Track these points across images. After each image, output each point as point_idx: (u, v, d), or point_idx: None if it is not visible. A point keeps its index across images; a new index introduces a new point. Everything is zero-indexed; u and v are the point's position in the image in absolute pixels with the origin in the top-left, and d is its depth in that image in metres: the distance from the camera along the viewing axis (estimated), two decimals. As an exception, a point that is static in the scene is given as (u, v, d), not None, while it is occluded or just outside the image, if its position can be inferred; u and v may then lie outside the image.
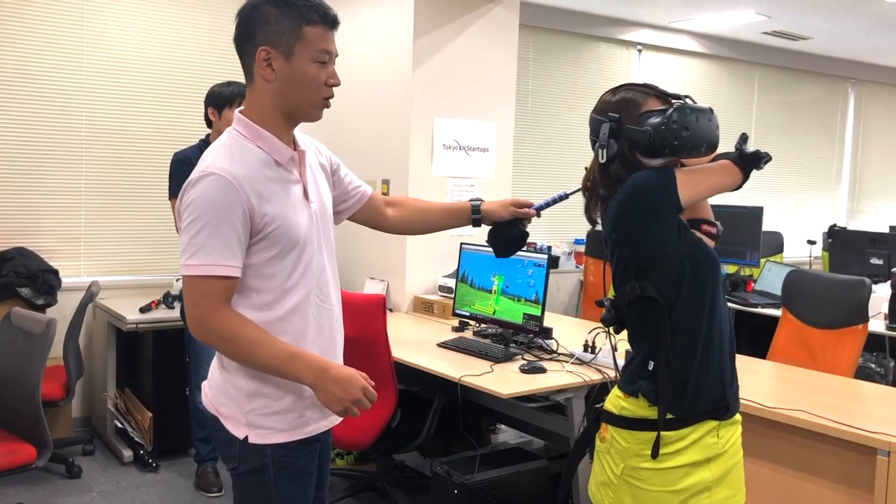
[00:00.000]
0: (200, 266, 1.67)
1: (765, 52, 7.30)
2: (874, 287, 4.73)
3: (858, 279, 3.72)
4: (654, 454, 1.80)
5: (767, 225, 6.74)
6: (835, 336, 3.59)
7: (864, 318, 3.57)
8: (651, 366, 1.84)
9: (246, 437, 1.77)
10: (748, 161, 1.87)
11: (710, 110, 1.83)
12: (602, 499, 1.93)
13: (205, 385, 1.91)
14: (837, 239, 5.63)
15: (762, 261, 5.49)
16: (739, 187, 1.92)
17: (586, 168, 1.99)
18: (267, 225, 1.73)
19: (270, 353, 1.71)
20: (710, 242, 2.02)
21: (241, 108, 1.83)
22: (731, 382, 1.91)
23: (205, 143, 3.78)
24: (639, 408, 1.85)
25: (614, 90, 1.94)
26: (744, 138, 1.88)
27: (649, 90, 1.89)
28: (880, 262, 5.16)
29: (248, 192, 1.69)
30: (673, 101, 1.84)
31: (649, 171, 1.83)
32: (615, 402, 1.90)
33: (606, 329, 1.99)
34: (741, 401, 2.32)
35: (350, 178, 2.10)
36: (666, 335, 1.80)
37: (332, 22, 1.79)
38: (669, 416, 1.82)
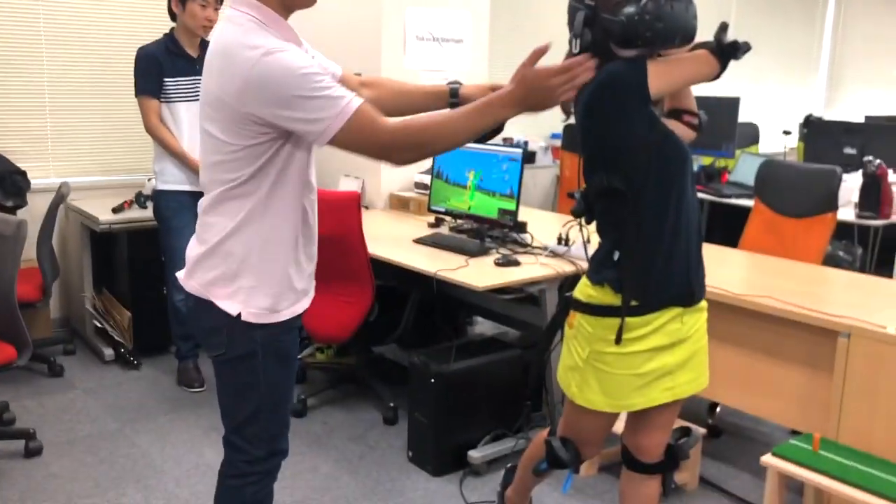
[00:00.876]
0: (348, 105, 1.65)
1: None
2: (846, 176, 4.77)
3: (829, 168, 3.75)
4: (618, 340, 1.86)
5: (744, 115, 6.72)
6: (805, 224, 3.65)
7: (834, 207, 3.62)
8: (616, 256, 1.87)
9: (238, 315, 1.80)
10: (726, 51, 1.84)
11: (686, 3, 1.78)
12: (569, 382, 2.00)
13: (186, 272, 1.90)
14: (812, 129, 5.63)
15: (737, 152, 5.50)
16: (717, 77, 1.89)
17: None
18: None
19: (464, 121, 1.71)
20: (691, 133, 2.03)
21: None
22: (697, 272, 1.95)
23: (170, 38, 3.66)
24: (605, 295, 1.89)
25: None
26: (723, 27, 1.85)
27: None
28: (854, 151, 5.19)
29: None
30: None
31: (621, 62, 1.80)
32: (583, 290, 1.94)
33: (578, 221, 2.00)
34: (711, 289, 2.37)
35: (324, 63, 2.05)
36: (631, 226, 1.82)
37: None
38: (634, 303, 1.86)
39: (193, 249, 1.88)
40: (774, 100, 7.81)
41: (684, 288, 1.91)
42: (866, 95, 8.64)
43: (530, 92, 1.69)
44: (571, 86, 1.71)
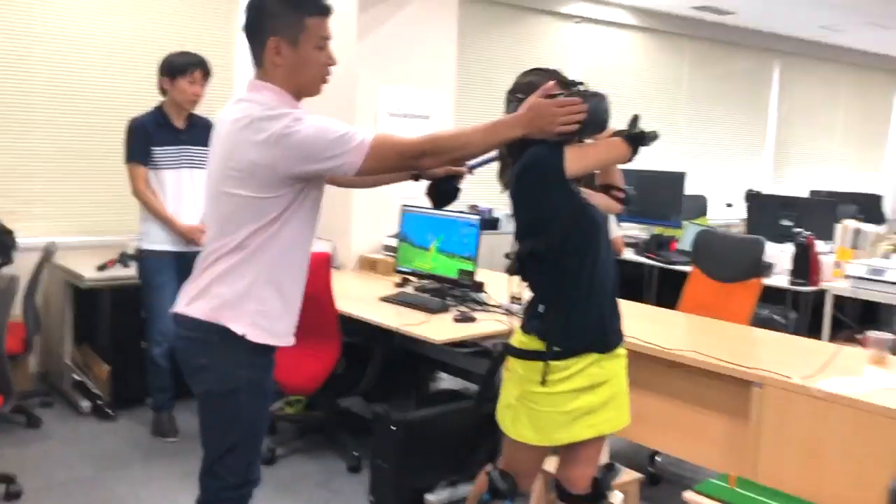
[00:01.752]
0: (365, 137, 1.99)
1: (695, 26, 7.68)
2: (783, 246, 5.19)
3: (754, 238, 4.13)
4: (542, 381, 2.17)
5: (697, 189, 7.20)
6: (734, 289, 4.00)
7: (759, 273, 3.98)
8: (541, 308, 2.19)
9: (244, 335, 2.06)
10: (635, 139, 2.20)
11: (602, 96, 2.14)
12: (505, 419, 2.30)
13: (189, 300, 2.12)
14: (753, 202, 6.07)
15: (684, 222, 5.91)
16: (630, 160, 2.24)
17: None
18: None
19: (480, 135, 2.06)
20: (618, 205, 2.38)
21: (258, 78, 2.10)
22: (612, 322, 2.28)
23: (159, 111, 3.99)
24: (533, 342, 2.21)
25: (525, 73, 2.27)
26: (634, 119, 2.21)
27: (553, 75, 2.22)
28: (790, 223, 5.61)
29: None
30: (570, 87, 2.16)
31: (543, 145, 2.16)
32: (516, 338, 2.27)
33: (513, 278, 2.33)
34: (645, 343, 2.71)
35: None
36: (552, 284, 2.16)
37: (327, 11, 2.11)
38: (557, 349, 2.18)
39: (200, 280, 2.12)
40: (725, 174, 8.32)
41: (601, 336, 2.24)
42: (810, 171, 9.22)
43: (537, 116, 2.05)
44: (569, 119, 2.05)
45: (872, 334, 3.01)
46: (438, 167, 2.17)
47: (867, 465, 2.52)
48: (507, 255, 2.28)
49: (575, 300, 2.20)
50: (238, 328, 2.07)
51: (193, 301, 2.12)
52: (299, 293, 2.20)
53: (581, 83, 2.18)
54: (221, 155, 2.09)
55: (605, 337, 2.25)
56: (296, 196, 2.06)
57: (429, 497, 3.30)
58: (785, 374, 2.77)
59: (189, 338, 2.13)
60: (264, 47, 2.06)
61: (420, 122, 4.87)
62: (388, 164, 2.05)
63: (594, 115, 2.11)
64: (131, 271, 4.31)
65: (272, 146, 1.97)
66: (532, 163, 2.15)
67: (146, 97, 4.15)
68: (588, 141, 2.23)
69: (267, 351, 2.15)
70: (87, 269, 4.33)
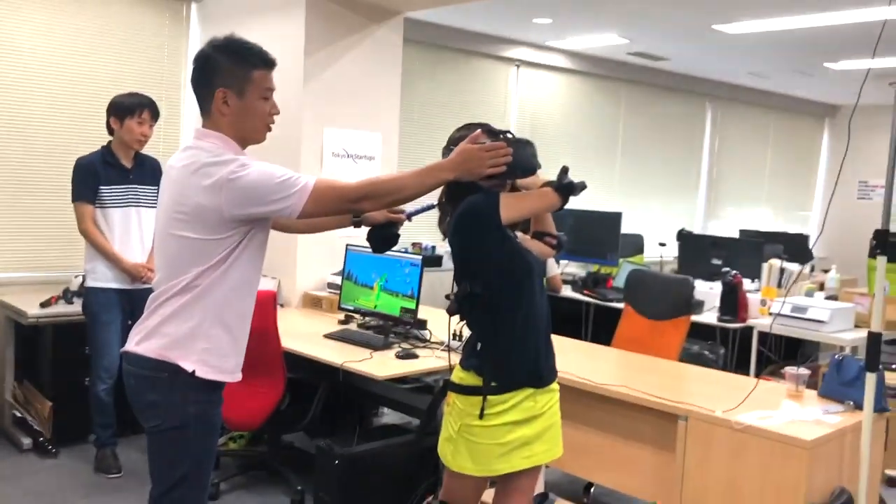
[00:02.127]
0: (308, 182, 2.10)
1: (631, 70, 8.02)
2: (712, 284, 5.44)
3: (683, 278, 4.36)
4: (481, 415, 2.30)
5: (632, 227, 7.46)
6: (664, 326, 4.22)
7: (688, 311, 4.20)
8: (479, 346, 2.34)
9: (193, 371, 2.14)
10: (565, 189, 2.37)
11: (528, 142, 2.33)
12: (445, 451, 2.43)
13: (139, 339, 2.20)
14: (685, 241, 6.35)
15: (620, 261, 6.14)
16: (560, 209, 2.41)
17: None
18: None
19: (413, 179, 2.18)
20: (551, 251, 2.55)
21: (205, 126, 2.23)
22: (546, 359, 2.43)
23: (106, 150, 4.05)
24: (471, 378, 2.35)
25: (460, 128, 2.44)
26: (564, 170, 2.39)
27: (483, 127, 2.37)
28: (720, 262, 5.89)
29: None
30: (498, 135, 2.33)
31: (480, 194, 2.32)
32: (456, 374, 2.40)
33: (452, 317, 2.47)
34: (577, 378, 2.87)
35: None
36: (488, 323, 2.31)
37: (272, 64, 2.26)
38: (494, 384, 2.32)
39: (150, 320, 2.20)
40: (661, 213, 8.64)
41: (535, 372, 2.39)
42: (741, 211, 9.62)
43: (466, 160, 2.19)
44: (495, 162, 2.20)
45: (790, 370, 3.22)
46: (378, 210, 2.30)
47: (782, 493, 2.71)
48: (447, 296, 2.42)
49: (510, 339, 2.35)
50: (187, 365, 2.15)
51: (143, 340, 2.20)
52: (246, 331, 2.30)
53: (508, 132, 2.36)
54: (170, 199, 2.19)
55: (539, 372, 2.40)
56: (241, 238, 2.17)
57: (371, 530, 3.38)
58: (709, 407, 2.95)
59: (139, 375, 2.21)
60: (212, 98, 2.19)
61: (365, 163, 5.01)
62: (329, 207, 2.17)
63: (519, 159, 2.27)
64: (75, 307, 4.32)
65: (218, 190, 2.08)
66: (469, 209, 2.31)
67: (93, 135, 4.21)
68: (521, 188, 2.39)
69: (215, 387, 2.23)
70: (30, 306, 4.33)
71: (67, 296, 4.48)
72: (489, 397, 2.31)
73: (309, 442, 4.36)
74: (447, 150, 2.38)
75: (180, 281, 2.16)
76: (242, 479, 4.06)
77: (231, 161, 2.11)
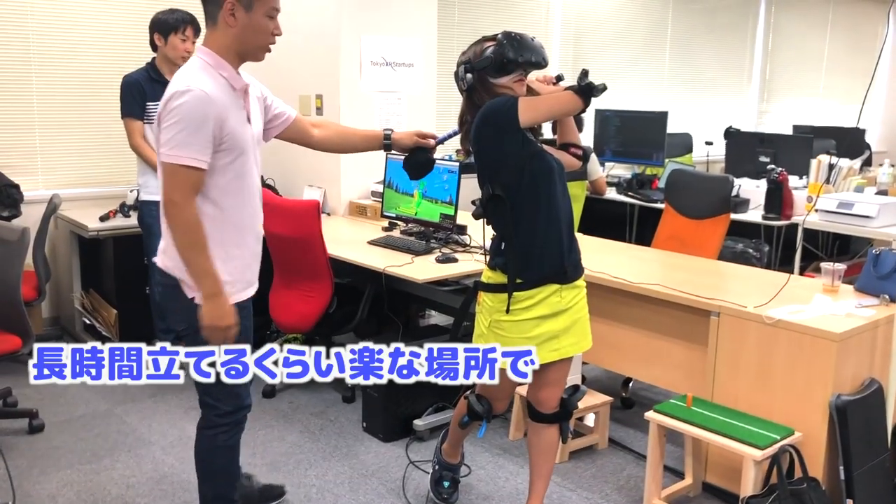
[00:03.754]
0: (184, 157, 2.16)
1: (680, -38, 7.70)
2: (759, 182, 5.39)
3: (723, 176, 4.33)
4: (507, 310, 2.41)
5: (681, 126, 7.34)
6: (703, 225, 4.22)
7: (727, 210, 4.19)
8: (503, 246, 2.43)
9: (193, 299, 2.29)
10: (585, 90, 2.39)
11: (532, 37, 2.40)
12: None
13: (162, 256, 2.38)
14: (732, 140, 6.24)
15: (667, 161, 6.09)
16: (583, 111, 2.44)
17: None
18: (227, 136, 2.23)
19: (202, 258, 2.24)
20: (576, 161, 2.60)
21: (204, 41, 2.31)
22: (570, 256, 2.50)
23: (151, 66, 4.14)
24: (498, 276, 2.46)
25: (465, 51, 2.52)
26: (583, 73, 2.40)
27: (486, 38, 2.46)
28: (767, 160, 5.80)
29: (218, 109, 2.20)
30: (514, 38, 2.39)
31: (498, 98, 2.36)
32: (485, 274, 2.51)
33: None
34: (613, 278, 2.96)
35: (276, 105, 2.57)
36: (511, 224, 2.39)
37: None
38: (519, 281, 2.42)
39: (165, 236, 2.37)
40: (710, 111, 8.44)
41: (558, 269, 2.48)
42: (795, 106, 9.33)
43: (217, 308, 2.27)
44: (221, 335, 2.28)
45: (825, 265, 3.24)
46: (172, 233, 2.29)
47: (811, 384, 2.78)
48: (473, 202, 2.50)
49: (533, 238, 2.43)
50: (190, 293, 2.31)
51: (161, 254, 2.40)
52: (246, 249, 2.40)
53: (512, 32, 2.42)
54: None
55: (563, 269, 2.49)
56: (218, 164, 2.25)
57: (417, 422, 3.58)
58: (741, 303, 3.01)
59: (161, 283, 2.41)
60: (220, 7, 2.24)
61: (405, 70, 5.01)
62: (166, 185, 2.29)
63: (531, 46, 2.37)
64: (132, 220, 4.53)
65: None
66: (488, 113, 2.37)
67: (140, 54, 4.30)
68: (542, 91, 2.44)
69: None
70: (91, 220, 4.55)
71: (124, 209, 4.69)
72: (515, 294, 2.42)
73: (357, 342, 4.55)
74: (458, 66, 2.43)
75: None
76: (297, 378, 4.30)
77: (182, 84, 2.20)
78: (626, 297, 3.36)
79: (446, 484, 3.02)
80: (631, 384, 4.05)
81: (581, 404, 3.15)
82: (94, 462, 3.35)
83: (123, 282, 4.61)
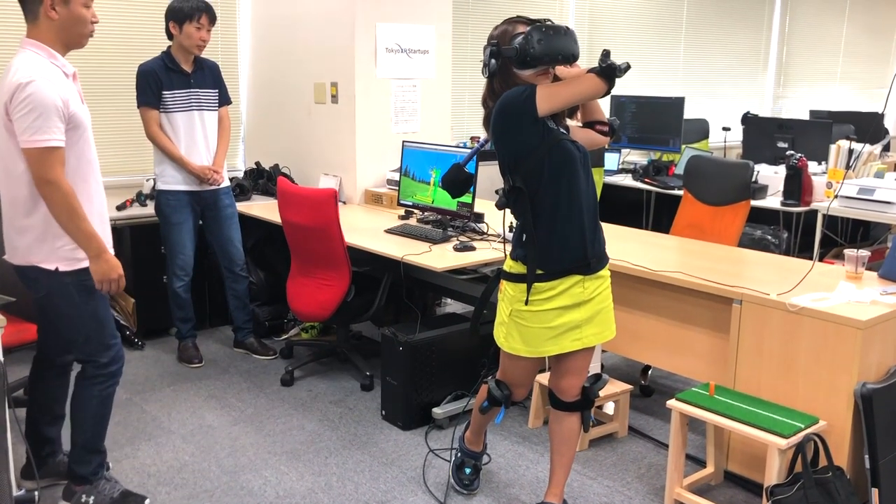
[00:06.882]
0: (47, 140, 2.41)
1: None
2: (777, 168, 5.34)
3: (742, 162, 4.28)
4: (526, 301, 2.40)
5: (697, 112, 7.29)
6: (722, 212, 4.18)
7: (747, 196, 4.15)
8: (524, 237, 2.41)
9: (57, 268, 2.54)
10: (608, 72, 2.34)
11: (565, 28, 2.32)
12: (499, 334, 2.54)
13: (11, 249, 2.61)
14: (750, 125, 6.18)
15: (683, 147, 6.04)
16: (608, 93, 2.39)
17: None
18: (73, 115, 2.50)
19: (85, 223, 2.49)
20: (603, 138, 2.56)
21: (28, 34, 2.51)
22: (593, 247, 2.48)
23: (167, 55, 4.14)
24: (519, 267, 2.44)
25: (498, 25, 2.45)
26: (605, 54, 2.35)
27: (521, 19, 2.40)
28: (786, 145, 5.74)
29: (60, 92, 2.45)
30: (537, 24, 2.32)
31: (516, 87, 2.33)
32: (507, 264, 2.49)
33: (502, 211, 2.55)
34: (634, 266, 2.93)
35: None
36: (531, 215, 2.37)
37: None
38: (540, 271, 2.40)
39: (19, 225, 2.56)
40: (726, 96, 8.36)
41: (581, 260, 2.45)
42: (812, 91, 9.23)
43: (105, 262, 2.57)
44: (114, 286, 2.58)
45: (849, 252, 3.20)
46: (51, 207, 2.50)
47: (835, 372, 2.75)
48: (497, 192, 2.48)
49: (553, 229, 2.40)
50: (50, 265, 2.57)
51: (14, 249, 2.65)
52: (96, 217, 2.60)
53: (548, 20, 2.35)
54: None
55: (586, 260, 2.46)
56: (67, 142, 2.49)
57: (436, 410, 3.57)
58: (763, 290, 2.98)
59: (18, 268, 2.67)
60: (41, 3, 2.46)
61: (420, 57, 4.98)
62: (32, 166, 2.47)
63: (562, 44, 2.29)
64: (149, 210, 4.53)
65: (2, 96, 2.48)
66: (504, 104, 2.34)
67: (157, 42, 4.29)
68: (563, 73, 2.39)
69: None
70: (108, 209, 4.54)
71: (141, 198, 4.70)
72: (536, 284, 2.40)
73: (375, 331, 4.56)
74: (485, 46, 2.40)
75: (30, 190, 2.55)
76: (315, 365, 4.31)
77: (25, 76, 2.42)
78: (646, 285, 3.34)
79: (468, 470, 3.01)
80: (650, 372, 4.03)
81: (601, 392, 3.13)
82: (115, 450, 3.36)
83: (140, 271, 4.62)
